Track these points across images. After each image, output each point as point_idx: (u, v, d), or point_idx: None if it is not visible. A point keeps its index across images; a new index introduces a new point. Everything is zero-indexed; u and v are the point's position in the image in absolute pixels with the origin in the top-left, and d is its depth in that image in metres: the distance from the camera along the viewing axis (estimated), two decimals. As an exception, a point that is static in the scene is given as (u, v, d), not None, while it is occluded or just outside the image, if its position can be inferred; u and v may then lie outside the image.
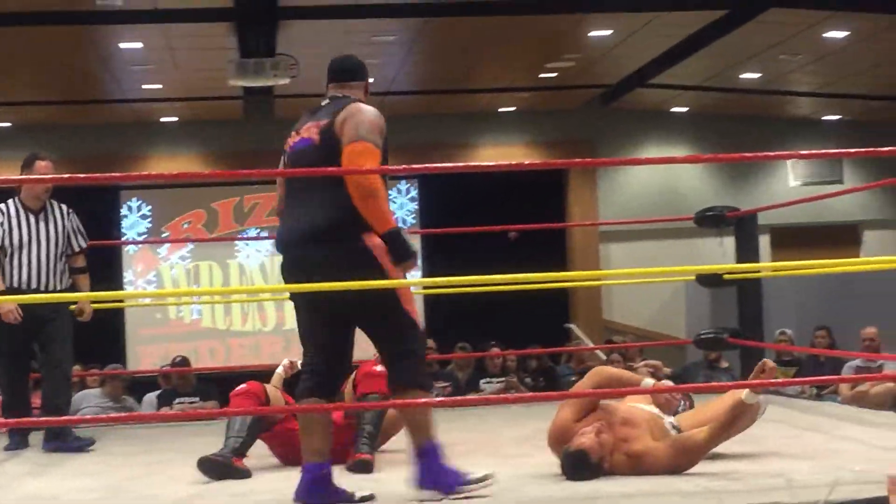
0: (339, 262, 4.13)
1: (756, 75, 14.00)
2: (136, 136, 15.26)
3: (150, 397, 10.02)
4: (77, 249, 6.43)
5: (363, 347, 4.52)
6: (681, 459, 4.49)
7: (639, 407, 4.74)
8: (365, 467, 4.97)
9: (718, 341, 7.82)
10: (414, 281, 4.12)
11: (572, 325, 14.89)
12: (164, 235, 15.03)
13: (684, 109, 16.00)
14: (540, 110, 15.69)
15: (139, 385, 10.75)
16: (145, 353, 14.78)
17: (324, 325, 4.27)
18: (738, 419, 4.58)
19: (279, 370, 5.66)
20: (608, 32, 12.02)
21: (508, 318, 12.58)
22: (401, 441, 5.64)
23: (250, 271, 15.22)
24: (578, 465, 4.44)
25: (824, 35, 11.95)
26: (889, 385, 8.85)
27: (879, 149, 4.54)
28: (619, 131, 15.96)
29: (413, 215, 15.43)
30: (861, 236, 16.78)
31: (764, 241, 14.71)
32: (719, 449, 4.74)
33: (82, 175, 4.79)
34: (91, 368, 10.45)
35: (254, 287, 14.43)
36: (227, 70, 11.29)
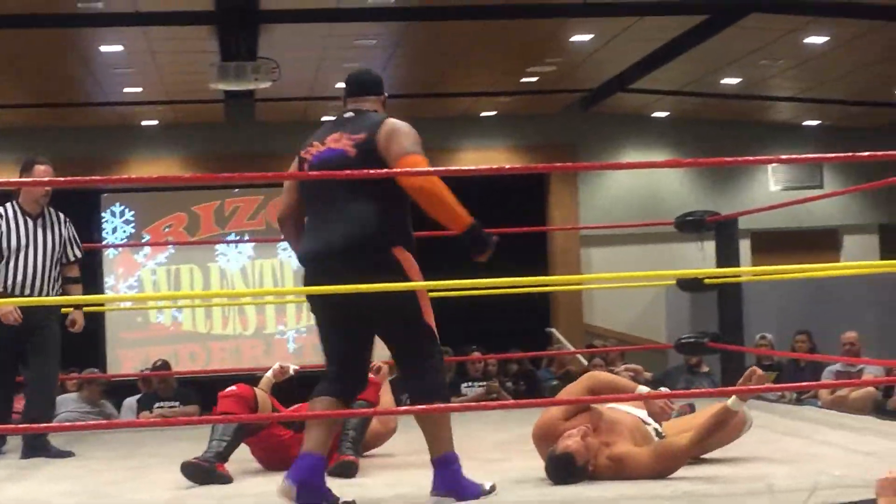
0: (369, 274, 4.09)
1: (736, 80, 14.05)
2: (117, 140, 15.23)
3: (131, 401, 9.95)
4: (72, 259, 6.36)
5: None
6: (662, 464, 4.49)
7: (623, 411, 4.74)
8: (349, 468, 4.94)
9: (699, 346, 7.84)
10: (402, 285, 4.11)
11: (553, 329, 14.92)
12: (144, 239, 15.00)
13: (665, 114, 16.04)
14: (521, 114, 15.72)
15: (120, 389, 10.67)
16: (126, 356, 14.73)
17: (347, 334, 4.26)
18: (721, 426, 4.58)
19: (269, 374, 5.49)
20: (589, 37, 12.04)
21: (489, 322, 12.59)
22: (385, 447, 5.65)
23: (231, 275, 15.18)
24: (564, 469, 4.44)
25: (804, 40, 12.01)
26: (869, 390, 8.90)
27: (859, 154, 4.56)
28: (600, 136, 16.00)
29: (394, 219, 15.40)
30: (841, 241, 16.86)
31: (744, 246, 14.76)
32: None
33: (62, 178, 4.72)
34: (70, 372, 10.38)
35: (234, 291, 14.41)
36: (209, 73, 11.26)
